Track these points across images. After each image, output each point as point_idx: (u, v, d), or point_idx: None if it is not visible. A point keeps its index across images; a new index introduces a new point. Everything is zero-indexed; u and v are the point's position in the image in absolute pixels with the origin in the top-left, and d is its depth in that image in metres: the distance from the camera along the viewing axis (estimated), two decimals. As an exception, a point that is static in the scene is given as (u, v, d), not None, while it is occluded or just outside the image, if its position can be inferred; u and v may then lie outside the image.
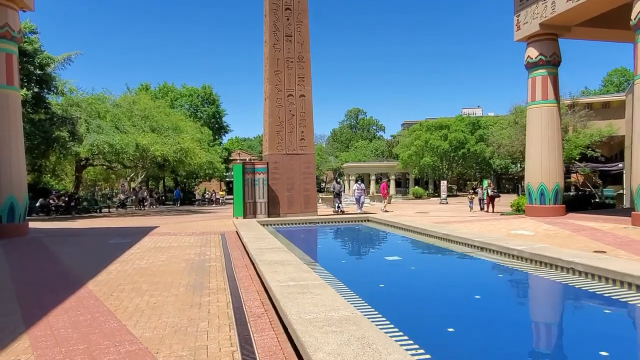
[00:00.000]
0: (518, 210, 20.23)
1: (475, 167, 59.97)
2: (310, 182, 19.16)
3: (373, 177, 62.46)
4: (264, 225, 14.27)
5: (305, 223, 16.12)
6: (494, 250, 8.60)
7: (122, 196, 34.57)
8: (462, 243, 9.59)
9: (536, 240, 11.26)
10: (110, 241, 12.73)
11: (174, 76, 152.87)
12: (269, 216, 18.20)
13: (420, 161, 53.64)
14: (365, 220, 16.00)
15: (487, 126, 58.84)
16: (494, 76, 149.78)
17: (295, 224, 16.13)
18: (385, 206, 26.75)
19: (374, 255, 10.95)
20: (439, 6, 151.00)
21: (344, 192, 53.71)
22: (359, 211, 22.59)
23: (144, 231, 15.22)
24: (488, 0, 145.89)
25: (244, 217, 17.90)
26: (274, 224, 15.55)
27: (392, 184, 60.62)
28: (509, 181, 61.69)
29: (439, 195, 55.33)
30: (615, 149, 26.21)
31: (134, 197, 33.44)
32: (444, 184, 38.36)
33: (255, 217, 18.15)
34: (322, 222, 16.11)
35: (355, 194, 24.09)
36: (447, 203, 35.79)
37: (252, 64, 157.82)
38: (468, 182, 72.91)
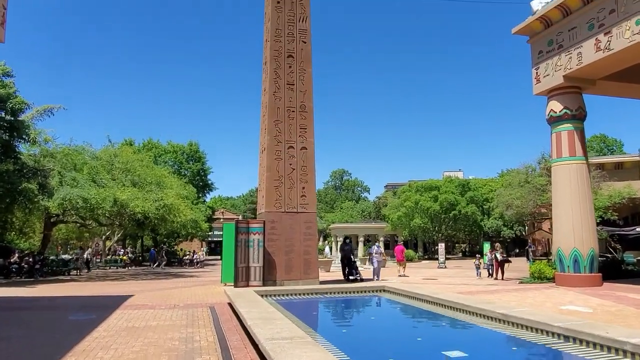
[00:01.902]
0: (540, 278, 18.21)
1: (466, 229, 58.67)
2: (311, 244, 16.91)
3: (361, 239, 60.23)
4: (262, 296, 11.86)
5: (312, 294, 13.70)
6: (590, 343, 6.41)
7: (67, 256, 31.17)
8: (534, 329, 7.38)
9: (602, 319, 9.16)
10: (71, 317, 10.11)
11: (159, 132, 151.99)
12: (264, 283, 15.72)
13: (410, 223, 52.12)
14: (380, 291, 13.67)
15: (477, 188, 58.31)
16: (475, 141, 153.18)
17: (300, 294, 13.70)
18: (402, 270, 24.35)
19: (427, 349, 8.07)
20: (422, 75, 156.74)
21: (336, 254, 51.26)
22: (376, 279, 19.14)
23: (115, 302, 12.58)
24: (471, 71, 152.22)
25: (235, 285, 15.39)
26: (274, 295, 13.11)
27: (381, 245, 58.42)
28: (500, 244, 60.36)
29: (429, 258, 53.46)
30: (626, 212, 24.88)
31: (78, 258, 29.81)
32: (441, 247, 36.30)
33: (248, 284, 15.65)
34: (330, 293, 13.72)
35: (374, 260, 20.55)
36: (445, 267, 33.56)
37: (236, 123, 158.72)
38: (457, 245, 71.30)
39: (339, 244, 59.77)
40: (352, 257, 18.87)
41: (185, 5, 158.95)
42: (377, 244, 22.37)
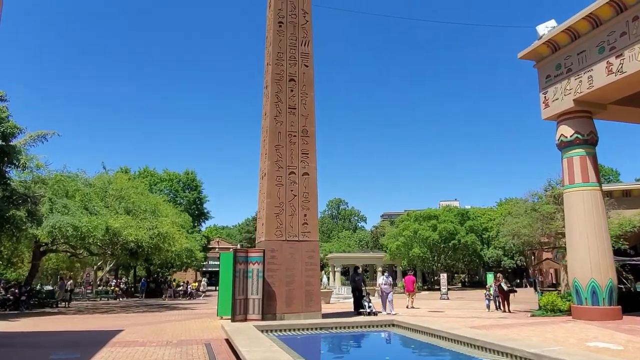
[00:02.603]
0: (552, 310, 17.33)
1: (465, 258, 57.71)
2: (314, 274, 16.04)
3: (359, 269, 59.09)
4: (263, 331, 10.94)
5: (316, 329, 12.73)
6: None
7: (49, 288, 29.82)
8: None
9: (637, 358, 8.37)
10: (52, 357, 9.15)
11: (155, 161, 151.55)
12: (263, 317, 14.77)
13: (409, 252, 51.24)
14: (390, 325, 12.72)
15: (476, 217, 57.62)
16: (471, 170, 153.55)
17: (304, 329, 12.73)
18: (411, 302, 23.34)
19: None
20: (415, 106, 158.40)
21: (334, 284, 49.93)
22: (385, 313, 17.92)
23: (103, 338, 11.59)
24: (466, 101, 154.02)
25: (233, 318, 14.43)
26: (276, 330, 12.16)
27: (379, 275, 57.23)
28: (501, 274, 59.21)
29: (429, 289, 52.14)
30: (635, 241, 24.19)
31: (58, 289, 28.42)
32: (443, 277, 35.34)
33: (246, 318, 14.70)
34: (336, 328, 12.73)
35: (383, 290, 19.38)
36: (448, 298, 32.49)
37: (232, 152, 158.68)
38: (456, 275, 69.95)
39: (337, 273, 58.73)
40: (363, 288, 17.89)
41: (180, 32, 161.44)
42: (386, 273, 21.11)
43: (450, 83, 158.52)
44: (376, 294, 23.56)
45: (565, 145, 15.34)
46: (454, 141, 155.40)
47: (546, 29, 16.01)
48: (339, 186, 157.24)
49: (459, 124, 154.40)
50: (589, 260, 14.30)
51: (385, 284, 19.55)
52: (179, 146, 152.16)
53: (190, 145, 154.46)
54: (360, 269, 19.84)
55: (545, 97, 16.06)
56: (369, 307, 16.71)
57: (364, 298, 17.22)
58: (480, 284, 57.12)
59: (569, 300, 16.68)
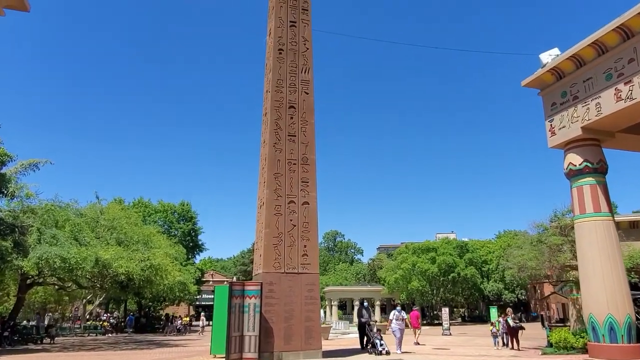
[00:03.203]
0: (565, 348, 16.45)
1: (465, 292, 56.46)
2: (314, 309, 15.17)
3: (356, 303, 57.57)
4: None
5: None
6: None
7: (30, 322, 28.43)
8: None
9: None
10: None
11: (151, 193, 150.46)
12: (260, 355, 13.84)
13: (408, 285, 50.18)
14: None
15: (475, 250, 56.75)
16: (467, 202, 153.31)
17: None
18: (417, 338, 22.39)
19: None
20: (411, 138, 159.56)
21: (331, 319, 48.36)
22: (398, 352, 16.66)
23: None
24: (460, 135, 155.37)
25: (227, 357, 13.48)
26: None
27: (377, 310, 55.93)
28: (502, 308, 57.72)
29: (428, 323, 50.61)
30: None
31: (36, 323, 27.00)
32: (445, 312, 34.20)
33: (241, 356, 13.79)
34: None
35: (394, 327, 18.02)
36: (450, 334, 31.34)
37: (228, 184, 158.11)
38: (455, 309, 68.31)
39: (334, 307, 57.17)
40: (371, 323, 16.87)
41: (175, 64, 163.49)
42: (397, 307, 19.54)
43: (445, 116, 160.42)
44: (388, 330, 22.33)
45: (574, 174, 14.86)
46: (450, 173, 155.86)
47: (549, 57, 15.81)
48: (335, 218, 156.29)
49: (453, 155, 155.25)
50: (604, 294, 13.57)
51: (397, 320, 18.19)
52: (174, 177, 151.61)
53: (186, 176, 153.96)
54: (367, 304, 18.84)
55: (551, 124, 15.71)
56: (381, 344, 15.55)
57: (374, 335, 16.06)
58: (481, 319, 55.63)
59: (582, 337, 15.84)
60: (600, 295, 13.74)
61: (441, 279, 50.77)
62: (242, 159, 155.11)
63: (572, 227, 18.36)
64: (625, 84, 13.10)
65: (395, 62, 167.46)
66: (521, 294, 55.23)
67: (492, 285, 54.67)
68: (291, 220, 15.81)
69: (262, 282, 14.65)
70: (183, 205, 51.62)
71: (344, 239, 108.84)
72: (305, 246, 15.72)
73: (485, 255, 57.72)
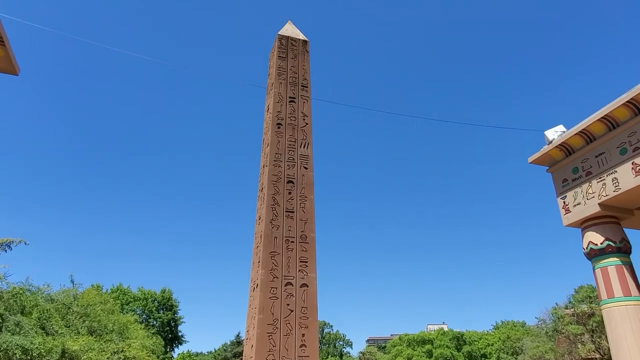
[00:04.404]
0: None
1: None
2: (313, 412, 12.98)
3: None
4: None
5: None
6: None
7: None
8: None
9: None
10: None
11: (130, 280, 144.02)
12: None
13: (403, 382, 46.39)
14: None
15: (473, 342, 53.61)
16: (458, 293, 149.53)
17: None
18: None
19: None
20: (400, 230, 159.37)
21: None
22: None
23: None
24: (447, 229, 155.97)
25: None
26: None
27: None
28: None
29: None
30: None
31: None
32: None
33: None
34: None
35: None
36: None
37: (209, 271, 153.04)
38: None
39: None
40: None
41: (161, 155, 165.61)
42: None
43: (430, 211, 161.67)
44: None
45: (596, 254, 13.83)
46: (439, 263, 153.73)
47: (555, 133, 15.52)
48: (322, 308, 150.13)
49: (442, 246, 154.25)
50: (649, 393, 11.91)
51: None
52: (156, 260, 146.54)
53: (168, 257, 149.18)
54: None
55: (564, 202, 14.97)
56: None
57: None
58: None
59: None
60: (645, 394, 12.03)
61: (440, 374, 47.22)
62: (227, 240, 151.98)
63: (589, 315, 16.88)
64: (643, 157, 12.59)
65: (390, 133, 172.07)
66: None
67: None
68: (288, 304, 14.13)
69: (253, 380, 12.62)
70: (164, 293, 48.75)
71: (333, 330, 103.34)
72: (303, 335, 13.88)
73: (484, 347, 54.41)
